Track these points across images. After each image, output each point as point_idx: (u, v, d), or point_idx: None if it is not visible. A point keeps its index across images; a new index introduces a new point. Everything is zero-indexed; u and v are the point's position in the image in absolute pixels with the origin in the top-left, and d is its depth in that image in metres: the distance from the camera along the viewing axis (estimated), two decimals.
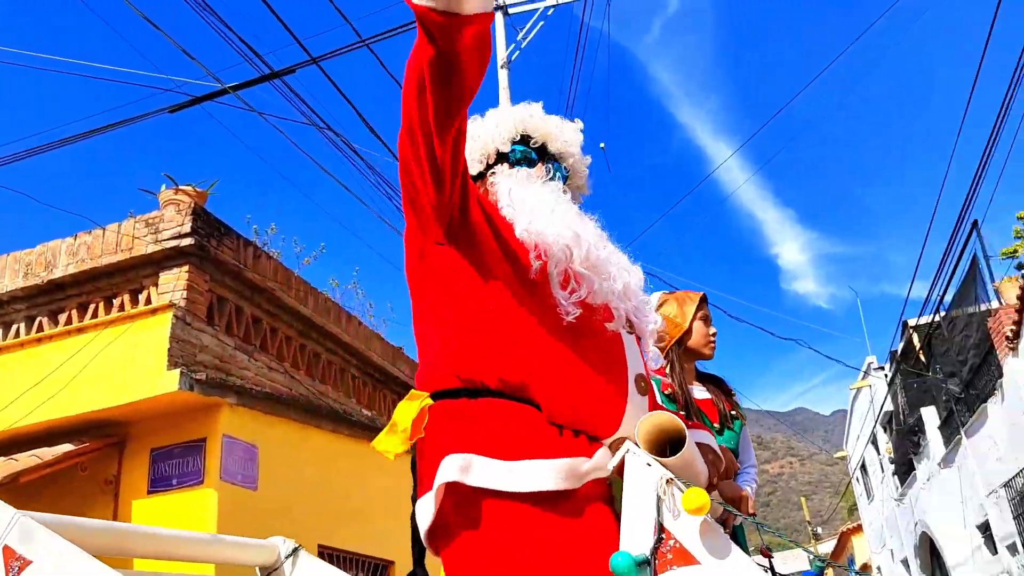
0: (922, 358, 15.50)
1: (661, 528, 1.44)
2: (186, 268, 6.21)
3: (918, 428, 16.38)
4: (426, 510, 1.58)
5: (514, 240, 1.70)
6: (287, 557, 2.17)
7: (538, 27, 11.73)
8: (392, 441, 1.60)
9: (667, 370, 2.88)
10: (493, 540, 1.49)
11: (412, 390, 1.70)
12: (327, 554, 6.59)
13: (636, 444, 1.56)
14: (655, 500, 1.46)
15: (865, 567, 26.04)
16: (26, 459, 5.61)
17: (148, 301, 6.30)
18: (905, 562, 20.23)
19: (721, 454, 2.30)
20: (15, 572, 1.51)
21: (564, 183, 1.95)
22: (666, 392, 2.79)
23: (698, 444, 1.82)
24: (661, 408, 1.79)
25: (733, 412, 3.01)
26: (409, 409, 1.62)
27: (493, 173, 1.90)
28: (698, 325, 2.98)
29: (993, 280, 11.80)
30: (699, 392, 2.97)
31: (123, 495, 5.97)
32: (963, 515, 14.19)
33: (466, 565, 1.52)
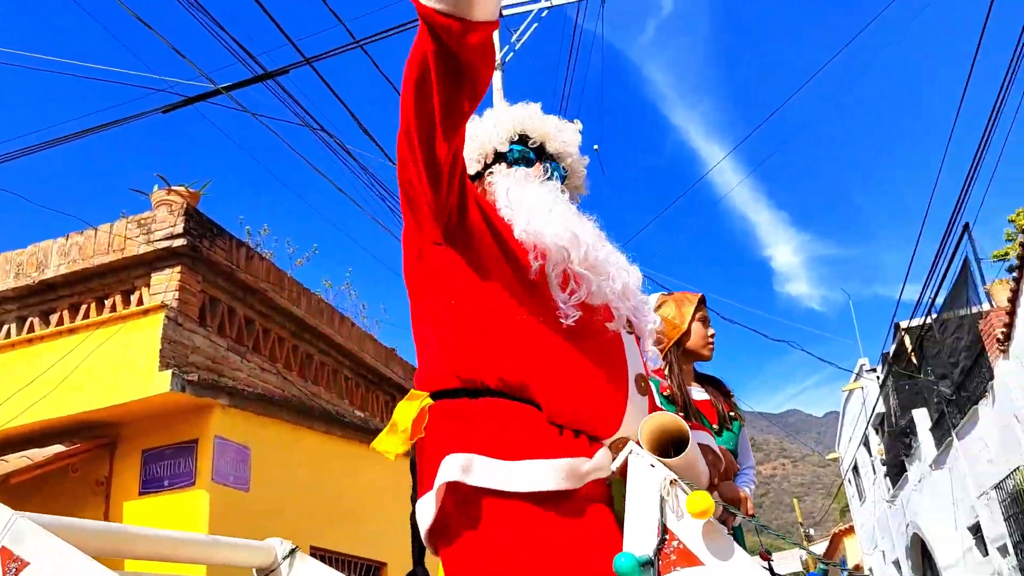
0: (914, 360, 15.55)
1: (664, 529, 1.43)
2: (178, 269, 6.19)
3: (910, 430, 16.43)
4: (427, 510, 1.58)
5: (513, 241, 1.70)
6: (284, 558, 2.17)
7: (532, 28, 11.74)
8: (392, 441, 1.60)
9: (665, 371, 2.88)
10: (494, 540, 1.49)
11: (412, 390, 1.69)
12: (319, 555, 6.57)
13: (639, 444, 1.56)
14: (658, 501, 1.46)
15: (857, 568, 26.11)
16: (17, 460, 5.59)
17: (140, 302, 6.28)
18: (897, 563, 20.28)
19: (721, 455, 2.30)
20: (12, 573, 1.50)
21: (562, 183, 1.95)
22: (665, 393, 2.79)
23: (698, 445, 1.82)
24: (660, 409, 1.79)
25: (732, 413, 3.01)
26: (409, 409, 1.62)
27: (491, 173, 1.89)
28: (697, 326, 2.98)
29: (984, 283, 11.86)
30: (698, 393, 2.97)
31: (114, 496, 5.95)
32: (954, 517, 14.25)
33: (467, 564, 1.52)
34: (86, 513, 5.64)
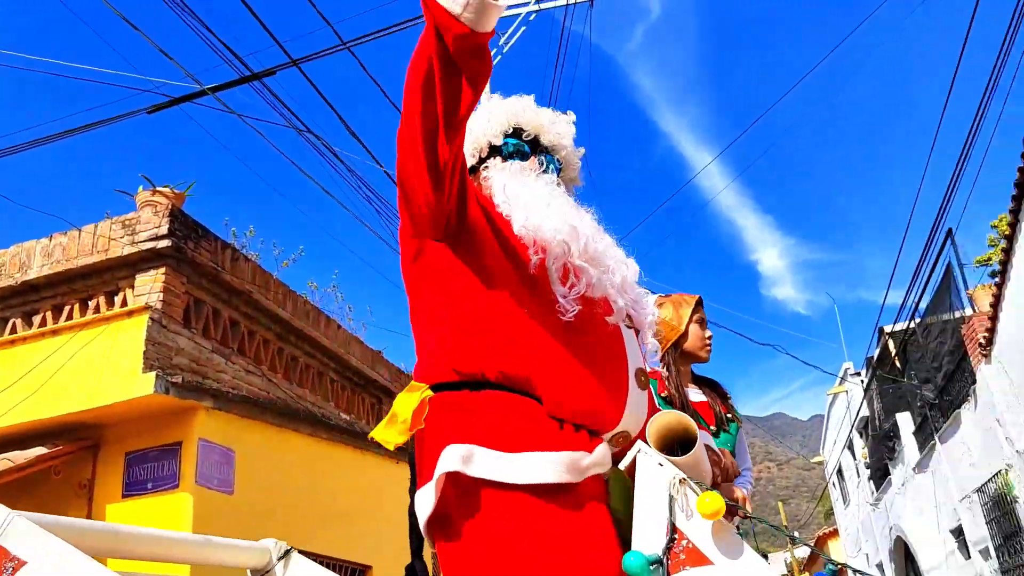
0: (898, 364, 15.65)
1: (674, 528, 1.43)
2: (163, 270, 6.16)
3: (893, 433, 16.53)
4: (426, 500, 1.56)
5: (512, 236, 1.70)
6: (279, 559, 2.16)
7: (520, 32, 11.74)
8: (391, 432, 1.59)
9: (663, 373, 2.89)
10: (493, 530, 1.49)
11: (411, 382, 1.68)
12: None
13: (646, 442, 1.57)
14: (668, 500, 1.46)
15: (841, 571, 26.21)
16: None
17: (124, 303, 6.25)
18: (880, 566, 20.38)
19: (720, 454, 2.32)
20: (9, 573, 1.48)
21: (557, 176, 1.95)
22: (662, 395, 2.80)
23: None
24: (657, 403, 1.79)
25: (729, 415, 3.02)
26: (409, 400, 1.61)
27: (486, 167, 1.90)
28: (694, 328, 3.00)
29: (967, 287, 11.94)
30: (695, 395, 2.98)
31: (97, 499, 5.91)
32: (937, 520, 14.34)
33: (465, 555, 1.51)
34: (68, 516, 5.60)
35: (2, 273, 6.52)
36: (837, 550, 29.12)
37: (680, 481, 1.47)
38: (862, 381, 18.93)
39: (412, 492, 1.66)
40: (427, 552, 1.66)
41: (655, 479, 1.49)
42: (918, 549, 15.92)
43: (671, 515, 1.44)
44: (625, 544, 1.53)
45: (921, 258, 11.40)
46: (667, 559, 1.40)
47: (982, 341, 10.48)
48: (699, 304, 3.07)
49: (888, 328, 15.74)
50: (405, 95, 1.53)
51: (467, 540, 1.51)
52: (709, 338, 3.04)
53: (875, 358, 17.01)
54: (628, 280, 1.79)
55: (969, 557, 13.12)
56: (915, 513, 15.72)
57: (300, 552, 2.24)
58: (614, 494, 1.62)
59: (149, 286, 6.13)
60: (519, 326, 1.63)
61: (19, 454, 5.70)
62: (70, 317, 6.39)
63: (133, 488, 5.86)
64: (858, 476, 21.73)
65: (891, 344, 15.76)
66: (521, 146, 1.93)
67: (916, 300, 12.67)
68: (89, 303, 6.45)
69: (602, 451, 1.60)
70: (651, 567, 1.37)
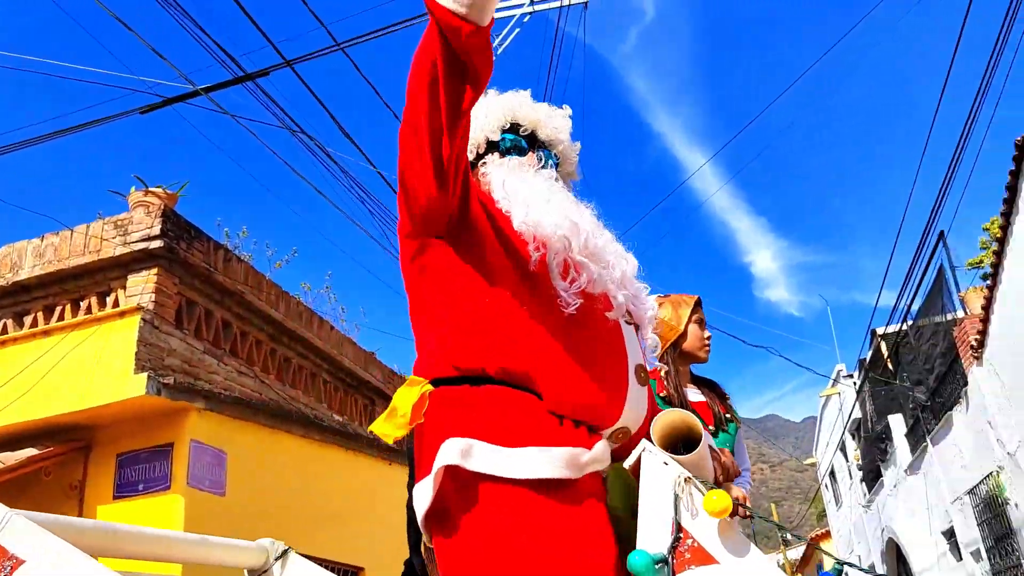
0: (890, 366, 15.69)
1: (679, 527, 1.43)
2: (155, 271, 6.14)
3: (886, 435, 16.56)
4: (424, 494, 1.56)
5: (512, 232, 1.69)
6: (276, 559, 2.16)
7: (514, 34, 11.73)
8: (390, 425, 1.58)
9: (662, 373, 2.89)
10: (491, 524, 1.48)
11: (411, 376, 1.68)
12: None
13: (651, 440, 1.56)
14: (673, 499, 1.45)
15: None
16: None
17: (116, 304, 6.23)
18: (872, 568, 20.43)
19: (720, 453, 2.32)
20: (7, 572, 1.47)
21: (555, 170, 1.95)
22: (661, 394, 2.80)
23: None
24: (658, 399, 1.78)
25: (728, 415, 3.03)
26: (409, 394, 1.60)
27: (484, 163, 1.89)
28: (693, 328, 3.01)
29: (959, 290, 11.97)
30: (694, 395, 2.99)
31: (88, 500, 5.89)
32: (928, 522, 14.38)
33: (462, 549, 1.50)
34: None
35: None
36: (830, 551, 29.17)
37: (686, 480, 1.46)
38: (855, 383, 18.98)
39: (410, 486, 1.65)
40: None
41: (660, 478, 1.49)
42: (910, 551, 15.96)
43: (676, 514, 1.43)
44: (622, 542, 1.53)
45: (913, 260, 11.44)
46: (672, 558, 1.40)
47: (973, 343, 10.51)
48: (698, 304, 3.07)
49: (880, 330, 15.78)
50: (409, 94, 1.53)
51: (464, 534, 1.50)
52: (708, 338, 3.05)
53: (867, 360, 17.06)
54: (627, 275, 1.79)
55: (961, 559, 13.16)
56: (907, 515, 15.76)
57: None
58: (613, 492, 1.62)
59: (141, 287, 6.11)
60: (519, 322, 1.63)
61: (9, 455, 5.67)
62: (62, 318, 6.37)
63: (124, 489, 5.84)
64: (850, 478, 21.78)
65: (883, 346, 15.80)
66: (518, 141, 1.93)
67: (908, 302, 12.70)
68: (81, 304, 6.42)
69: (601, 448, 1.60)
70: (656, 566, 1.37)
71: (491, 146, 1.93)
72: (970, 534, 12.25)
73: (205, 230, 6.65)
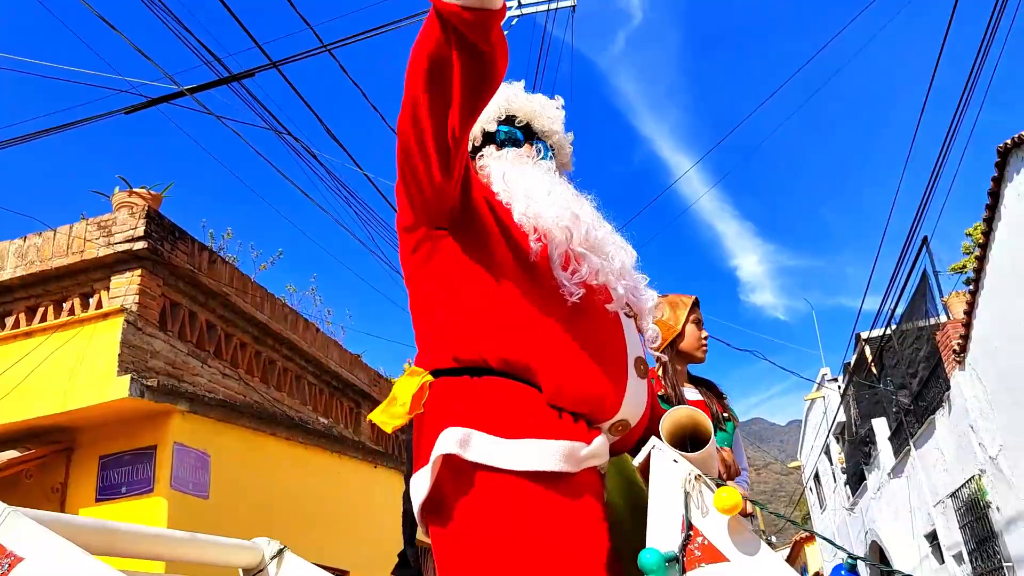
0: (874, 370, 15.78)
1: (689, 525, 1.42)
2: (139, 272, 6.11)
3: (869, 439, 16.66)
4: (422, 484, 1.55)
5: (512, 224, 1.69)
6: (272, 558, 2.15)
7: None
8: (389, 414, 1.57)
9: (660, 372, 2.91)
10: (486, 515, 1.48)
11: (411, 366, 1.68)
12: None
13: (659, 437, 1.56)
14: (683, 497, 1.45)
15: (817, 575, 26.40)
16: None
17: (99, 305, 6.18)
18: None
19: (722, 452, 2.32)
20: (6, 569, 1.45)
21: (552, 161, 1.95)
22: (659, 393, 2.81)
23: None
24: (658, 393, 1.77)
25: (725, 414, 3.04)
26: (409, 384, 1.60)
27: (482, 156, 1.89)
28: (691, 328, 3.02)
29: (942, 295, 12.07)
30: (691, 394, 3.00)
31: (70, 503, 5.84)
32: (911, 525, 14.47)
33: (459, 538, 1.50)
34: None
35: None
36: (814, 555, 29.32)
37: (696, 477, 1.46)
38: (839, 387, 19.09)
39: (407, 477, 1.65)
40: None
41: (670, 475, 1.48)
42: (893, 553, 16.05)
43: (687, 512, 1.43)
44: (620, 537, 1.53)
45: (897, 265, 11.53)
46: (683, 556, 1.39)
47: (956, 348, 10.59)
48: (695, 304, 3.10)
49: (865, 334, 15.87)
50: (410, 90, 1.50)
51: (460, 523, 1.50)
52: (706, 338, 3.08)
53: (852, 364, 17.16)
54: (627, 265, 1.79)
55: (943, 562, 13.25)
56: (890, 518, 15.86)
57: None
58: (611, 487, 1.62)
59: (125, 288, 6.07)
60: (520, 314, 1.63)
61: None
62: (44, 319, 6.32)
63: (107, 492, 5.80)
64: (834, 481, 21.89)
65: (868, 350, 15.90)
66: (514, 133, 1.93)
67: (892, 307, 12.80)
68: (63, 305, 6.38)
69: (600, 443, 1.60)
70: (667, 564, 1.36)
71: (487, 138, 1.93)
72: (952, 537, 12.34)
73: (190, 231, 6.62)
